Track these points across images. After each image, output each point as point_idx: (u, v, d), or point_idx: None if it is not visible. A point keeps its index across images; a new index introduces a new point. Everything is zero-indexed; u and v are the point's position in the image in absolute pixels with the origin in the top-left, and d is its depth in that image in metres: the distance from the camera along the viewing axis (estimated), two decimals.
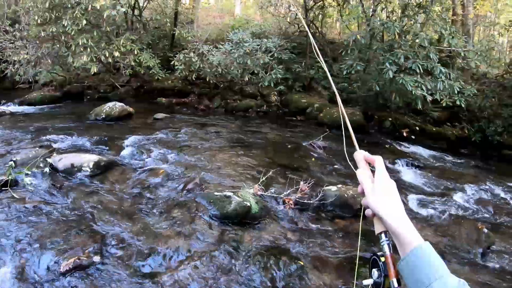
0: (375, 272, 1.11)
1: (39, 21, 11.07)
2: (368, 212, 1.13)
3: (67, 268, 3.61)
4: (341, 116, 1.26)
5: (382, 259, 1.10)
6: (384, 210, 1.07)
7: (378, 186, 1.11)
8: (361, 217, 1.16)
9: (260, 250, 4.18)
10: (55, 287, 3.46)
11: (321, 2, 13.44)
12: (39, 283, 3.49)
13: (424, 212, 5.92)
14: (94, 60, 11.05)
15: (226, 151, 7.55)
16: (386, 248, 1.10)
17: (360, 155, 1.19)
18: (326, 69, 1.50)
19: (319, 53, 1.52)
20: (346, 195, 5.28)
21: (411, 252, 1.00)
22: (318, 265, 4.06)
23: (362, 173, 1.16)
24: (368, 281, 1.12)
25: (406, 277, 1.00)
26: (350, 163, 1.26)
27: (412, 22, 10.38)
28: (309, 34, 1.77)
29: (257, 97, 12.96)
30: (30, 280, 3.54)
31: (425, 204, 6.19)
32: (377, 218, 1.11)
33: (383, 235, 1.11)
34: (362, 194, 1.14)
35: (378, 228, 1.12)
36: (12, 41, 12.85)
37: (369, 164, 1.19)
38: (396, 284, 1.04)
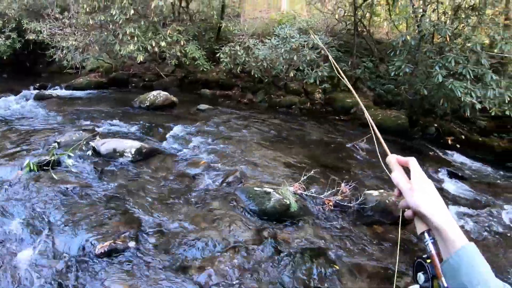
0: (421, 276, 1.06)
1: (87, 10, 11.38)
2: (408, 213, 1.09)
3: (102, 251, 3.66)
4: (368, 120, 1.25)
5: (428, 260, 1.05)
6: (425, 207, 1.03)
7: (416, 185, 1.06)
8: (400, 222, 1.34)
9: (296, 249, 4.10)
10: (88, 268, 3.50)
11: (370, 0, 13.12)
12: (72, 262, 3.55)
13: (465, 225, 5.60)
14: (141, 49, 11.22)
15: (268, 146, 7.47)
16: (431, 247, 1.04)
17: (393, 158, 1.18)
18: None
19: None
20: (387, 201, 5.07)
21: (455, 254, 0.96)
22: (353, 271, 3.92)
23: (397, 175, 1.13)
24: (414, 287, 1.09)
25: (449, 280, 0.97)
26: (385, 167, 1.24)
27: (463, 24, 9.98)
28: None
29: (301, 94, 12.75)
30: (64, 258, 3.60)
31: (467, 217, 5.84)
32: (418, 217, 1.06)
33: (426, 234, 1.05)
34: (399, 196, 1.11)
35: (420, 228, 1.07)
36: (61, 28, 13.22)
37: (403, 167, 1.16)
38: (445, 284, 0.98)
